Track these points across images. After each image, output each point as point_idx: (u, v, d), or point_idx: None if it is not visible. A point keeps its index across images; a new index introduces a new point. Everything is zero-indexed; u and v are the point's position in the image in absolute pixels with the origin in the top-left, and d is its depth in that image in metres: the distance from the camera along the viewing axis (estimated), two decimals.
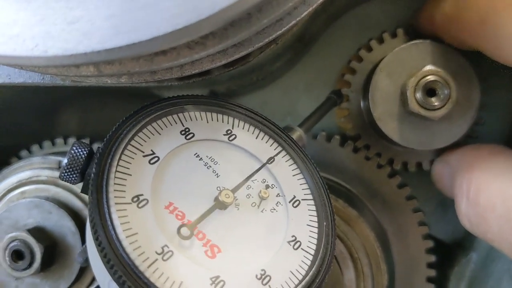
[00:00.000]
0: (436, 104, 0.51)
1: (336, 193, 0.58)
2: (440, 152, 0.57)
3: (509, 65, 0.47)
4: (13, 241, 0.55)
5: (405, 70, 0.54)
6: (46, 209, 0.57)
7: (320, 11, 0.61)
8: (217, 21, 0.30)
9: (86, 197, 0.57)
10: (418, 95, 0.51)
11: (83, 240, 0.57)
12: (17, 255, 0.55)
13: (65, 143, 0.66)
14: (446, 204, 0.67)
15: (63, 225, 0.57)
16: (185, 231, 0.37)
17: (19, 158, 0.66)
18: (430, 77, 0.51)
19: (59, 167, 0.60)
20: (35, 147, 0.66)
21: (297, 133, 0.51)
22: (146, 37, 0.30)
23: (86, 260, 0.44)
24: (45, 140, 0.66)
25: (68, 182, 0.39)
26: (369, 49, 0.60)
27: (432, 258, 0.60)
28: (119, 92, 0.64)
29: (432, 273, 0.60)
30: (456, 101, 0.52)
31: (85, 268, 0.57)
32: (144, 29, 0.30)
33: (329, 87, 0.66)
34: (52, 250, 0.57)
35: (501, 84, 0.62)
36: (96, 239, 0.35)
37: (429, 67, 0.52)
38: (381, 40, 0.60)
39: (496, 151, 0.50)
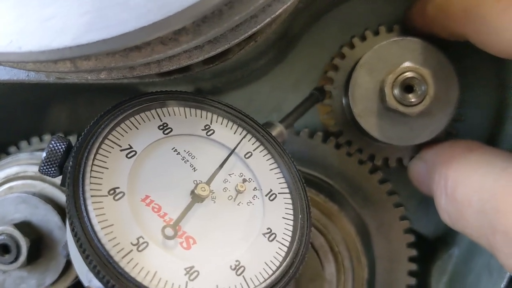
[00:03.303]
0: (413, 100, 0.52)
1: (318, 188, 0.59)
2: (420, 148, 0.58)
3: (494, 54, 0.48)
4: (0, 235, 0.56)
5: (384, 67, 0.55)
6: (33, 204, 0.58)
7: (303, 9, 0.61)
8: (186, 17, 0.31)
9: None
10: (396, 91, 0.52)
11: None
12: (3, 249, 0.56)
13: None
14: (428, 200, 0.67)
15: (49, 220, 0.58)
16: (169, 231, 0.38)
17: (8, 154, 0.67)
18: (408, 74, 0.52)
19: None
20: (23, 143, 0.67)
21: (278, 129, 0.53)
22: (117, 33, 0.30)
23: (67, 253, 0.45)
24: (33, 137, 0.67)
25: (47, 175, 0.40)
26: (352, 46, 0.61)
27: (414, 252, 0.61)
28: (107, 89, 0.65)
29: (414, 267, 0.61)
30: (433, 97, 0.52)
31: (71, 261, 0.58)
32: (115, 26, 0.30)
33: (315, 84, 0.67)
34: (38, 244, 0.57)
35: (483, 81, 0.63)
36: (72, 230, 0.36)
37: (407, 64, 0.53)
38: (363, 38, 0.61)
39: (472, 146, 0.51)
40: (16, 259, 0.56)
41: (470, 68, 0.61)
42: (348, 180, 0.62)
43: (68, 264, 0.59)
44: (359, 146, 0.61)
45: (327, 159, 0.62)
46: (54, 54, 0.31)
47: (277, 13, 0.41)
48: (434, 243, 0.68)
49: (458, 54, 0.58)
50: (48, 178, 0.60)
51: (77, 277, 0.59)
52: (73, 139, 0.67)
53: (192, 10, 0.31)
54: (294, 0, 0.41)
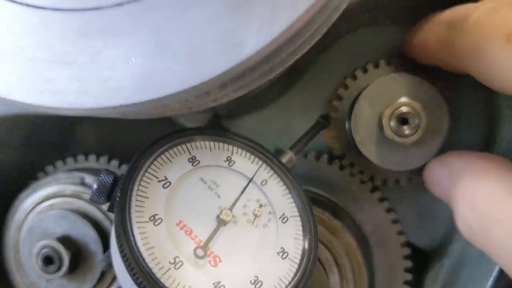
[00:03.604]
0: (407, 132, 0.59)
1: (323, 206, 0.66)
2: (415, 171, 0.65)
3: (499, 91, 0.48)
4: (44, 248, 0.64)
5: (383, 100, 0.62)
6: (71, 219, 0.66)
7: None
8: (217, 81, 0.38)
9: (104, 208, 0.66)
10: (392, 123, 0.59)
11: (104, 247, 0.65)
12: (48, 260, 0.64)
13: (86, 159, 0.74)
14: (424, 215, 0.75)
15: (86, 234, 0.66)
16: (200, 252, 0.45)
17: (46, 173, 0.74)
18: (403, 108, 0.59)
19: (82, 183, 0.69)
20: (59, 163, 0.74)
21: (288, 156, 0.60)
22: (160, 95, 0.38)
23: (107, 265, 0.52)
24: (68, 157, 0.75)
25: (96, 203, 0.48)
26: (354, 77, 0.68)
27: (409, 264, 0.68)
28: None
29: (409, 277, 0.68)
30: (426, 129, 0.60)
31: (105, 271, 0.66)
32: (159, 89, 0.38)
33: (321, 109, 0.74)
34: (77, 256, 0.65)
35: (475, 96, 0.70)
36: (121, 251, 0.44)
37: (403, 99, 0.60)
38: (365, 70, 0.68)
39: (506, 165, 0.50)
40: (58, 269, 0.64)
41: (462, 97, 0.69)
42: (351, 199, 0.69)
43: (103, 274, 0.66)
44: (361, 168, 0.68)
45: (332, 179, 0.69)
46: (110, 110, 0.39)
47: (289, 63, 0.49)
48: (428, 255, 0.75)
49: (451, 83, 0.65)
50: (84, 196, 0.68)
51: (110, 285, 0.67)
52: (103, 159, 0.74)
53: (223, 76, 0.38)
54: (299, 55, 0.49)
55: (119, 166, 0.73)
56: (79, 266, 0.66)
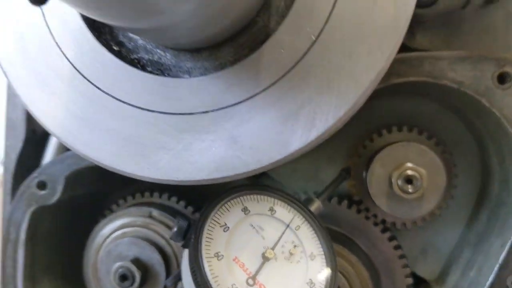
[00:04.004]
0: (411, 190, 0.75)
1: (342, 243, 0.82)
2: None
3: None
4: (120, 268, 0.81)
5: (393, 163, 0.78)
6: (141, 245, 0.83)
7: None
8: (271, 166, 0.55)
9: (166, 236, 0.83)
10: (400, 182, 0.75)
11: (166, 267, 0.82)
12: (123, 277, 0.81)
13: (151, 195, 0.91)
14: (427, 252, 0.91)
15: (152, 258, 0.83)
16: (250, 281, 0.62)
17: (118, 205, 0.92)
18: (409, 172, 0.75)
19: (149, 216, 0.86)
20: (129, 198, 0.92)
21: (316, 204, 0.76)
22: (230, 174, 0.55)
23: (171, 285, 0.69)
24: (136, 193, 0.92)
25: (175, 241, 0.65)
26: (371, 140, 0.84)
27: None
28: None
29: None
30: (426, 187, 0.75)
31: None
32: (230, 171, 0.54)
33: (342, 161, 0.90)
34: (145, 274, 0.82)
35: (471, 157, 0.85)
36: (195, 279, 0.60)
37: (408, 164, 0.76)
38: (380, 134, 0.84)
39: None
40: (131, 285, 0.81)
41: (460, 158, 0.84)
42: (365, 237, 0.84)
43: None
44: (374, 212, 0.84)
45: (350, 220, 0.85)
46: (194, 182, 0.56)
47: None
48: (429, 283, 0.90)
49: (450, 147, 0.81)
50: (151, 226, 0.85)
51: None
52: (164, 196, 0.91)
53: (276, 163, 0.54)
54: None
55: (178, 201, 0.90)
56: (146, 283, 0.83)
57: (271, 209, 0.69)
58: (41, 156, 0.98)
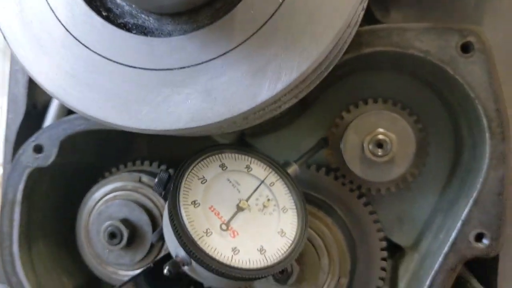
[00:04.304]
0: (381, 153, 0.80)
1: (319, 206, 0.87)
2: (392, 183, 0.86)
3: None
4: (110, 226, 0.86)
5: (365, 130, 0.83)
6: (130, 207, 0.89)
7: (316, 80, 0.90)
8: (241, 116, 0.60)
9: (156, 200, 0.89)
10: (371, 146, 0.81)
11: (153, 228, 0.88)
12: (112, 235, 0.86)
13: (142, 164, 0.97)
14: (402, 220, 0.95)
15: (141, 218, 0.88)
16: (224, 226, 0.67)
17: (111, 173, 0.97)
18: (379, 136, 0.81)
19: (139, 180, 0.91)
20: (121, 166, 0.97)
21: (293, 167, 0.81)
22: (204, 124, 0.60)
23: (156, 239, 0.75)
24: (128, 161, 0.98)
25: (156, 192, 0.70)
26: (348, 111, 0.89)
27: (385, 254, 0.88)
28: None
29: (384, 264, 0.88)
30: (396, 152, 0.80)
31: (153, 245, 0.88)
32: (204, 120, 0.60)
33: (323, 133, 0.96)
34: (133, 234, 0.88)
35: (443, 127, 0.90)
36: (172, 224, 0.66)
37: (379, 130, 0.81)
38: (356, 105, 0.89)
39: None
40: (119, 242, 0.86)
41: (432, 129, 0.89)
42: (342, 202, 0.89)
43: (151, 248, 0.88)
44: (351, 179, 0.89)
45: (328, 186, 0.90)
46: (172, 132, 0.61)
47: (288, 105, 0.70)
48: (404, 250, 0.95)
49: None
50: (140, 190, 0.90)
51: (157, 255, 0.89)
52: (154, 164, 0.97)
53: (245, 113, 0.60)
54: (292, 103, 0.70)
55: (167, 169, 0.95)
56: (134, 242, 0.88)
57: (248, 167, 0.75)
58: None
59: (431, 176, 0.92)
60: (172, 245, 0.69)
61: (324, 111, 0.95)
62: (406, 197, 0.94)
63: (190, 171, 0.70)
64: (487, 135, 0.72)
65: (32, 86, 1.02)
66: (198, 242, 0.65)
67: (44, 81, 0.66)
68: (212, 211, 0.68)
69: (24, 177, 0.86)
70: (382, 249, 0.88)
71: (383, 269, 0.88)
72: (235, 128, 0.67)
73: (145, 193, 0.90)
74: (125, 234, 0.86)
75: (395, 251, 0.96)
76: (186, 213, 0.66)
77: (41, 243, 0.94)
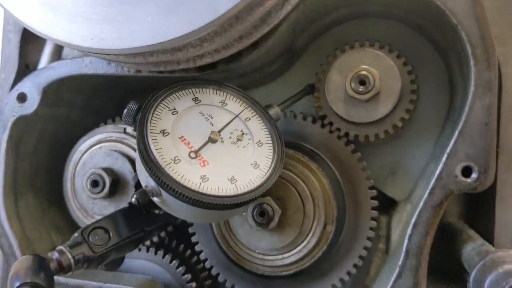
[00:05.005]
0: (363, 89, 0.77)
1: (305, 153, 0.84)
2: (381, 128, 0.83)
3: None
4: (92, 174, 0.86)
5: (349, 68, 0.80)
6: (114, 157, 0.88)
7: (302, 30, 0.88)
8: (202, 31, 0.58)
9: None
10: (353, 84, 0.78)
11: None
12: (94, 183, 0.86)
13: None
14: (395, 172, 0.92)
15: (124, 168, 0.87)
16: (192, 154, 0.66)
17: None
18: (362, 72, 0.78)
19: (124, 131, 0.91)
20: (109, 121, 0.97)
21: (275, 109, 0.79)
22: (166, 39, 0.58)
23: (136, 180, 0.73)
24: (116, 116, 0.97)
25: (125, 123, 0.69)
26: (335, 56, 0.86)
27: (375, 203, 0.85)
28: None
29: (374, 214, 0.84)
30: (379, 89, 0.77)
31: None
32: (166, 35, 0.58)
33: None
34: (116, 183, 0.87)
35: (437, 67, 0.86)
36: (140, 153, 0.64)
37: (362, 66, 0.78)
38: (343, 50, 0.86)
39: None
40: (101, 190, 0.85)
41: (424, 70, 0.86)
42: (329, 150, 0.86)
43: None
44: (338, 126, 0.86)
45: (315, 134, 0.87)
46: (134, 50, 0.60)
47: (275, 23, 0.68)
48: (397, 202, 0.91)
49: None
50: (125, 141, 0.89)
51: None
52: None
53: (206, 27, 0.58)
54: (282, 17, 0.68)
55: None
56: (117, 192, 0.87)
57: (223, 102, 0.73)
58: None
59: (425, 124, 0.88)
60: (143, 177, 0.68)
61: (313, 62, 0.92)
62: (398, 146, 0.91)
63: (161, 102, 0.68)
64: (472, 62, 0.68)
65: (24, 46, 1.03)
66: (165, 169, 0.63)
67: (19, 13, 0.65)
68: (182, 141, 0.67)
69: (9, 126, 0.86)
70: (372, 198, 0.85)
71: (374, 219, 0.84)
72: (201, 50, 0.65)
73: (130, 144, 0.89)
74: (107, 181, 0.85)
75: (390, 207, 0.93)
76: (154, 141, 0.64)
77: (30, 197, 0.93)
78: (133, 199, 0.65)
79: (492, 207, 0.82)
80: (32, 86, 0.86)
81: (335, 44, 0.90)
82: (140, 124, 0.65)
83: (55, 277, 0.81)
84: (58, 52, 1.00)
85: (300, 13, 0.76)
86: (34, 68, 1.04)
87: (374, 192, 0.85)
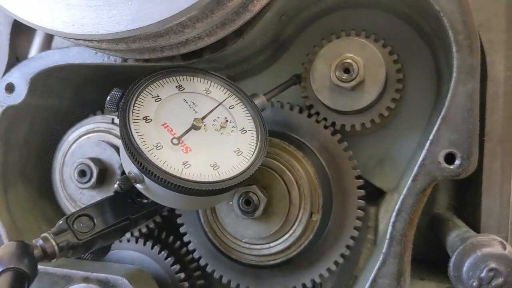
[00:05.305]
0: (346, 77, 0.77)
1: (291, 141, 0.84)
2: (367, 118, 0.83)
3: None
4: (80, 164, 0.86)
5: (334, 57, 0.80)
6: (102, 147, 0.88)
7: (289, 20, 0.88)
8: (181, 15, 0.59)
9: None
10: (337, 72, 0.78)
11: None
12: (82, 173, 0.86)
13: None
14: (383, 162, 0.92)
15: (112, 158, 0.87)
16: (175, 141, 0.66)
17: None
18: (346, 60, 0.78)
19: (112, 122, 0.91)
20: (98, 112, 0.97)
21: (260, 98, 0.79)
22: (146, 24, 0.59)
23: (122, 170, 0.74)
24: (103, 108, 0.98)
25: (109, 110, 0.69)
26: (321, 46, 0.87)
27: (362, 193, 0.85)
28: None
29: (362, 203, 0.85)
30: (364, 77, 0.77)
31: None
32: (145, 20, 0.59)
33: None
34: (104, 172, 0.87)
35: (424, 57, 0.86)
36: (123, 139, 0.64)
37: (346, 54, 0.78)
38: (329, 40, 0.86)
39: None
40: (89, 180, 0.86)
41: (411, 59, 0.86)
42: (316, 140, 0.86)
43: None
44: (325, 116, 0.86)
45: (302, 124, 0.87)
46: (114, 35, 0.60)
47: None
48: (385, 193, 0.91)
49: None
50: (112, 131, 0.90)
51: None
52: None
53: (186, 11, 0.58)
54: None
55: None
56: (105, 182, 0.87)
57: (207, 90, 0.73)
58: None
59: (412, 113, 0.88)
60: (126, 163, 0.68)
61: (302, 53, 0.92)
62: (386, 137, 0.91)
63: (144, 89, 0.69)
64: (454, 48, 0.68)
65: (15, 38, 1.03)
66: (147, 155, 0.63)
67: (6, 3, 0.66)
68: (165, 127, 0.67)
69: None
70: (359, 188, 0.85)
71: (361, 208, 0.84)
72: (183, 36, 0.65)
73: (118, 134, 0.89)
74: (95, 171, 0.85)
75: (379, 197, 0.93)
76: (136, 127, 0.65)
77: (20, 187, 0.94)
78: (115, 185, 0.65)
79: (478, 196, 0.82)
80: (20, 76, 0.86)
81: (322, 35, 0.90)
82: (123, 111, 0.65)
83: (43, 267, 0.82)
84: (48, 43, 1.00)
85: (285, 1, 0.77)
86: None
87: (361, 181, 0.85)
